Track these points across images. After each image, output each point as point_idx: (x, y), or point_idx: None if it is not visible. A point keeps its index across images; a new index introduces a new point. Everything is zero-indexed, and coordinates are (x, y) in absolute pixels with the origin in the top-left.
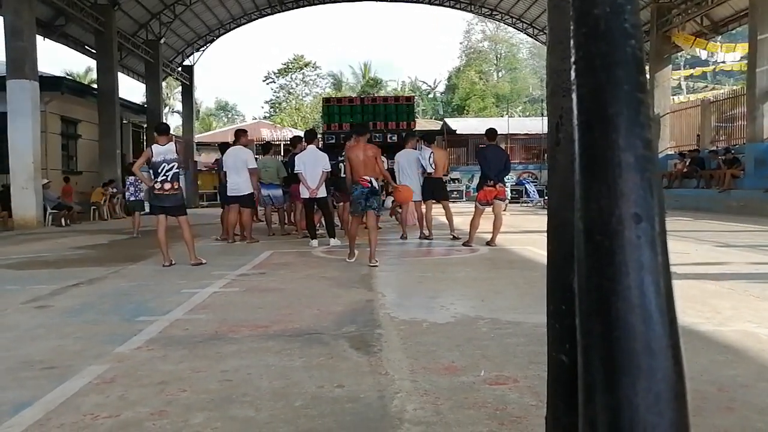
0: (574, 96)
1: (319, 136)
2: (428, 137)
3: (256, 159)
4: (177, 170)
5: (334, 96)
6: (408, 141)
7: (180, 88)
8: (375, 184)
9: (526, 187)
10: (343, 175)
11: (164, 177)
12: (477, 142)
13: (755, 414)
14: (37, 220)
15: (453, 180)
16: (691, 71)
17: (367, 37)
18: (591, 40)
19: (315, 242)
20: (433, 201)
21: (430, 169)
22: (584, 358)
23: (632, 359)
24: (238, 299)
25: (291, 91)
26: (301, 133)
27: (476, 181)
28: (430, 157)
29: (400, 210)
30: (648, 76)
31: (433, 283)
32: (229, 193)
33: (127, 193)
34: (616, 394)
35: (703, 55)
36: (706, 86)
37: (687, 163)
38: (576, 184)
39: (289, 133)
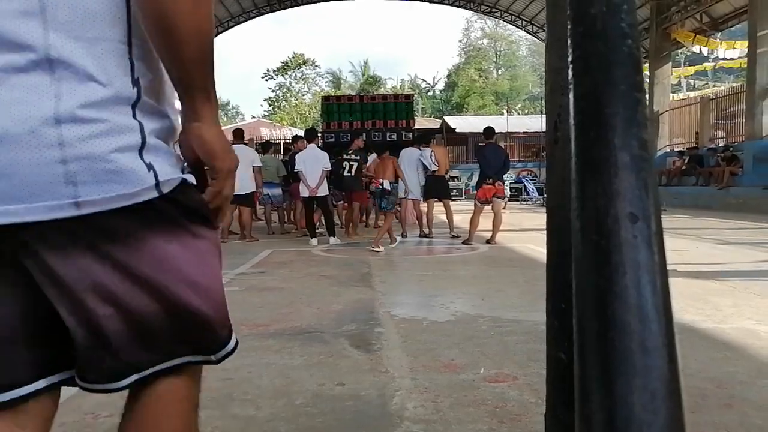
0: (571, 95)
1: (318, 134)
2: (425, 138)
3: None
4: None
5: (333, 94)
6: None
7: None
8: (386, 185)
9: (525, 185)
10: (347, 173)
11: None
12: (476, 141)
13: (754, 411)
14: None
15: (452, 178)
16: (692, 68)
17: (367, 35)
18: (588, 40)
19: (314, 241)
20: (435, 199)
21: (433, 167)
22: (580, 357)
23: (627, 358)
24: (237, 298)
25: (290, 88)
26: (301, 132)
27: (476, 179)
28: (431, 155)
29: (399, 208)
30: (648, 73)
31: (433, 282)
32: None
33: None
34: (612, 392)
35: (705, 51)
36: (707, 84)
37: (686, 161)
38: (572, 183)
39: (288, 132)
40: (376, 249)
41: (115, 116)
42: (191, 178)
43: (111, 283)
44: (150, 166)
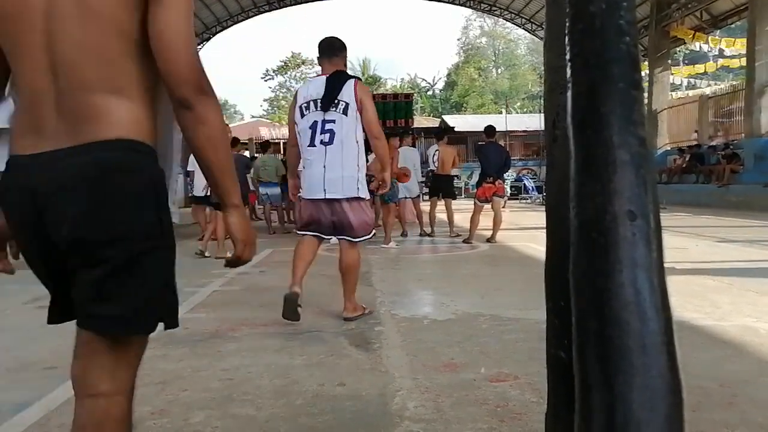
0: (569, 93)
1: None
2: (438, 134)
3: (255, 158)
4: None
5: None
6: (405, 138)
7: None
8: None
9: (525, 184)
10: None
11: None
12: (476, 140)
13: (755, 409)
14: None
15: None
16: (692, 67)
17: (366, 34)
18: (586, 38)
19: None
20: (437, 198)
21: (432, 166)
22: (579, 355)
23: (626, 356)
24: (238, 298)
25: (290, 88)
26: None
27: (475, 177)
28: (435, 154)
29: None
30: (648, 71)
31: (433, 280)
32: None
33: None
34: (611, 390)
35: (705, 48)
36: (709, 85)
37: (686, 159)
38: (571, 182)
39: (288, 132)
40: (385, 245)
41: (352, 174)
42: (364, 192)
43: (340, 211)
44: (359, 189)
